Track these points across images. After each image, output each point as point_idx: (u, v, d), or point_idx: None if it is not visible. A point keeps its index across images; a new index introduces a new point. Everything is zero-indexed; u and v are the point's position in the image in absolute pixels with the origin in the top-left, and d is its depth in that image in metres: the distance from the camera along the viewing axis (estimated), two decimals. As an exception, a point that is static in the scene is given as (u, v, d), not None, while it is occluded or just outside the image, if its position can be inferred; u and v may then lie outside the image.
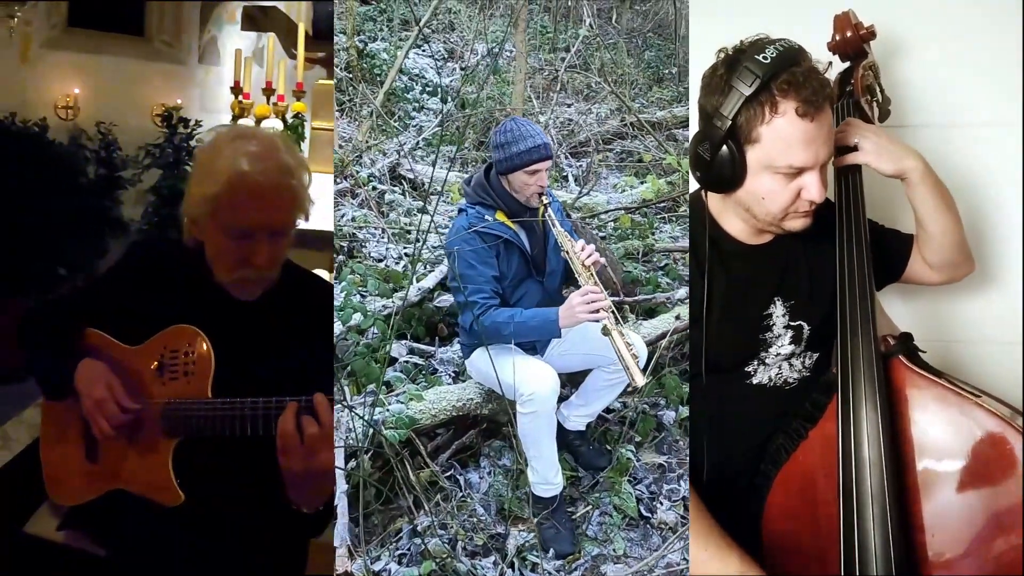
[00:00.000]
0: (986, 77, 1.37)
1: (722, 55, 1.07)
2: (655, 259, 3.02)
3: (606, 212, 3.20)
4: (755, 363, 1.19)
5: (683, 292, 2.51)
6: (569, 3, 4.58)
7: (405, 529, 1.82)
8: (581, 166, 3.76)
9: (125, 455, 1.14)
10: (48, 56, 4.06)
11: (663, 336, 2.20)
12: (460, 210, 1.90)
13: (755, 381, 1.20)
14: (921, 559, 1.05)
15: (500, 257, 1.80)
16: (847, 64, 1.25)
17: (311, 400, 1.01)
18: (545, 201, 1.79)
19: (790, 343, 1.19)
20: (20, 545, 1.21)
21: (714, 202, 1.19)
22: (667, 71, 5.18)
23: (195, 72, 4.35)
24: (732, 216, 1.18)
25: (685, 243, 3.09)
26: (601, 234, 3.08)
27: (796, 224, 1.12)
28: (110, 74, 4.14)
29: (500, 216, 1.82)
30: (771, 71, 1.00)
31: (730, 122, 1.02)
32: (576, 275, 1.73)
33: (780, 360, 1.20)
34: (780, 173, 1.06)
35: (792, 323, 1.18)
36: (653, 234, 3.17)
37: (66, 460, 1.18)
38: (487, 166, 1.89)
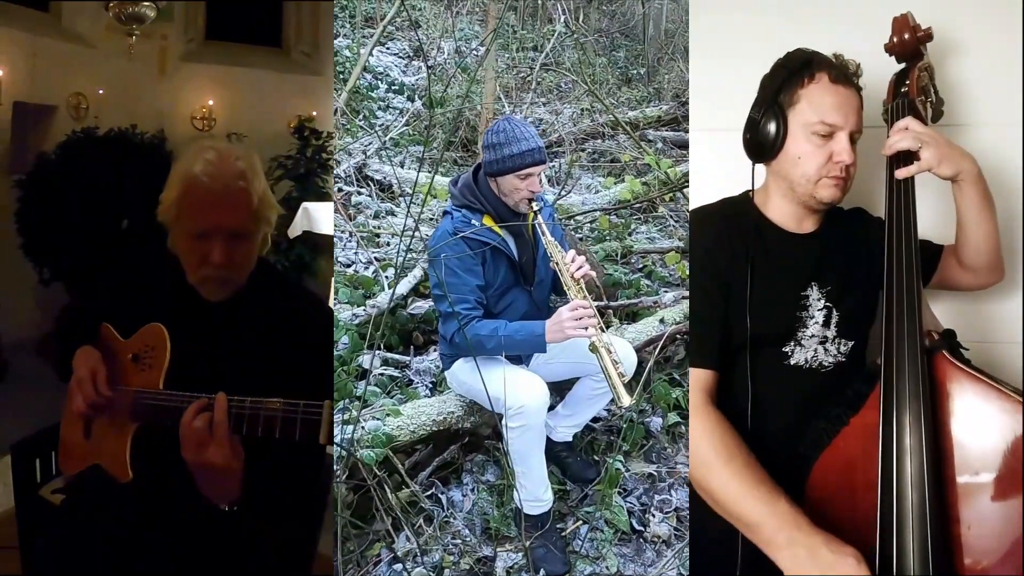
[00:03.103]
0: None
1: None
2: (633, 260, 2.95)
3: (582, 213, 3.12)
4: (792, 343, 1.26)
5: (670, 296, 2.43)
6: (537, 2, 4.51)
7: (385, 556, 1.70)
8: (555, 166, 3.68)
9: (106, 434, 1.25)
10: (186, 69, 4.01)
11: (651, 342, 2.12)
12: (445, 212, 1.78)
13: (792, 362, 1.26)
14: (956, 550, 1.07)
15: (487, 264, 1.69)
16: (903, 65, 1.28)
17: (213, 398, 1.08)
18: (535, 208, 1.70)
19: (823, 325, 1.27)
20: (30, 503, 1.41)
21: (760, 194, 1.32)
22: (635, 71, 5.15)
23: (333, 83, 4.22)
24: (776, 199, 1.31)
25: (663, 244, 3.04)
26: (578, 235, 3.00)
27: (827, 193, 1.25)
28: (247, 85, 4.08)
29: (487, 221, 1.72)
30: (810, 55, 1.27)
31: (778, 91, 1.24)
32: (565, 288, 1.64)
33: (816, 343, 1.27)
34: (815, 133, 1.22)
35: (827, 303, 1.27)
36: (630, 235, 3.11)
37: (72, 434, 1.31)
38: (475, 166, 1.78)
